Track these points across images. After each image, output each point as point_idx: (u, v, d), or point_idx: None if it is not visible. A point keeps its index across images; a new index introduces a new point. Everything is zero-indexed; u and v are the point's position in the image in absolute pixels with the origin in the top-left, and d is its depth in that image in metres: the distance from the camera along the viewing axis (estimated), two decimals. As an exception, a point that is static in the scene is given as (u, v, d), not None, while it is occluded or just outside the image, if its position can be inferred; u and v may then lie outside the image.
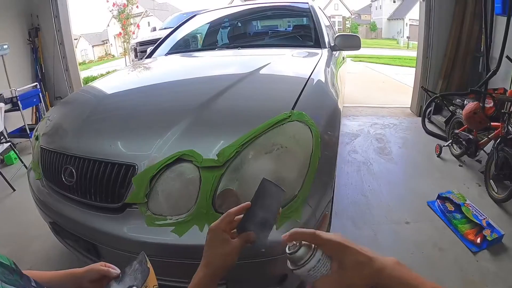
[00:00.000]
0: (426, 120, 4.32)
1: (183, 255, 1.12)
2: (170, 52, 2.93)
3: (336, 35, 2.54)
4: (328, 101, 1.59)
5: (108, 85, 2.15)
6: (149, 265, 0.72)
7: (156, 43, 3.26)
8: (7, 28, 4.70)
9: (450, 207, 2.33)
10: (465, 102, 3.47)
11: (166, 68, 2.44)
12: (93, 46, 40.37)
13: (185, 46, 3.13)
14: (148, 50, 3.23)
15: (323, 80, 1.70)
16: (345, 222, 2.29)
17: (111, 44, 40.52)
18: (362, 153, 3.52)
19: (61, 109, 1.93)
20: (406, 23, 38.51)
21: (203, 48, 3.18)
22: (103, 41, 41.64)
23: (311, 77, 1.63)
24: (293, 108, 1.29)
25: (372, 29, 41.11)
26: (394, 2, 43.01)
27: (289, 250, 0.59)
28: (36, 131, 1.84)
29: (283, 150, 1.17)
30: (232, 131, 1.21)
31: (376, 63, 13.45)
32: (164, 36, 3.27)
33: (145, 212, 1.17)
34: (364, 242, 2.08)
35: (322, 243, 0.58)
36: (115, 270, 0.76)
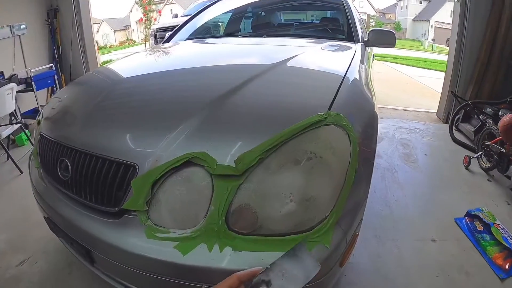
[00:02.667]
0: (454, 127, 4.07)
1: (186, 277, 0.94)
2: (190, 38, 2.74)
3: (371, 29, 2.31)
4: (365, 104, 1.36)
5: (122, 68, 1.97)
6: None
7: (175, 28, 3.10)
8: (25, 8, 4.70)
9: (479, 227, 2.16)
10: (500, 112, 3.23)
11: (184, 54, 2.24)
12: (114, 31, 40.66)
13: (206, 32, 2.93)
14: (167, 35, 3.07)
15: (359, 79, 1.47)
16: (368, 236, 2.10)
17: (133, 30, 40.77)
18: (387, 158, 3.31)
19: (70, 91, 1.76)
20: (432, 25, 37.63)
21: (226, 35, 2.97)
22: (125, 26, 41.91)
23: (347, 74, 1.40)
24: (329, 109, 1.07)
25: (397, 29, 40.20)
26: (421, 3, 42.09)
27: None
28: (39, 115, 1.69)
29: (317, 161, 0.95)
30: (254, 132, 1.01)
31: (400, 63, 13.07)
32: (184, 21, 3.09)
33: (145, 221, 0.99)
34: (388, 259, 1.92)
35: None
36: None
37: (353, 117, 1.17)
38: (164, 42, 2.90)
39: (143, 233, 0.99)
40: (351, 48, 1.99)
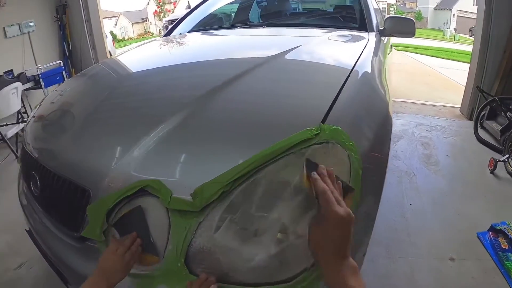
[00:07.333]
0: (478, 125, 3.75)
1: None
2: (190, 31, 2.54)
3: (387, 17, 2.04)
4: (377, 105, 1.14)
5: (111, 68, 1.76)
6: None
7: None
8: (34, 5, 4.65)
9: (504, 244, 1.90)
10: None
11: (175, 49, 2.05)
12: (132, 24, 40.85)
13: (205, 25, 2.71)
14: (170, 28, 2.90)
15: (371, 74, 1.24)
16: (378, 251, 1.87)
17: (150, 22, 40.93)
18: (405, 160, 3.02)
19: (49, 100, 1.56)
20: (454, 14, 36.35)
21: (224, 27, 2.75)
22: (142, 19, 42.07)
23: (355, 68, 1.17)
24: (325, 117, 0.84)
25: (418, 18, 38.88)
26: (442, -9, 40.72)
27: None
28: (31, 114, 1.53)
29: (301, 199, 0.72)
30: (225, 151, 0.80)
31: (422, 54, 12.48)
32: (183, 15, 2.90)
33: None
34: (398, 279, 1.71)
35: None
36: None
37: (360, 120, 0.96)
38: (165, 35, 2.72)
39: None
40: (363, 38, 1.75)
